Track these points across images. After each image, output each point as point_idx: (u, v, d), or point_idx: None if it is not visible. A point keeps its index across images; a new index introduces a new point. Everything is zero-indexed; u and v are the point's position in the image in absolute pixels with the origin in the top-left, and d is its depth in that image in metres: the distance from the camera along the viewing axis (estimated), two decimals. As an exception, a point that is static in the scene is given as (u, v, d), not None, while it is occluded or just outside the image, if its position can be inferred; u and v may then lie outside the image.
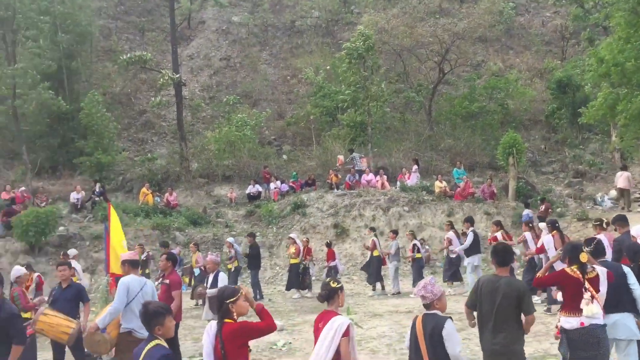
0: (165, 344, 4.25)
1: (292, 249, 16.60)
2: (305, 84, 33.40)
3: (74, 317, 8.15)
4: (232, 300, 4.66)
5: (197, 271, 16.49)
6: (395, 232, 16.54)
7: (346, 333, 4.78)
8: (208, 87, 35.11)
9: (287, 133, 31.55)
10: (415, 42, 28.79)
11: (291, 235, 17.59)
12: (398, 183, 23.45)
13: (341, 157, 24.55)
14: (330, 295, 5.00)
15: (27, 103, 26.23)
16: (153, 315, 4.29)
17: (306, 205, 22.67)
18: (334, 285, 5.02)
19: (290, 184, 25.18)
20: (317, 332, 4.98)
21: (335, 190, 23.34)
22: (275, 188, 24.65)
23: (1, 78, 25.06)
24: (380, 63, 28.58)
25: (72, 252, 14.60)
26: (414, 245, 16.12)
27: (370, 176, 23.64)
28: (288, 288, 16.67)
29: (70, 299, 8.25)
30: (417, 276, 15.54)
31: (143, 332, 6.87)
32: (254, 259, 16.19)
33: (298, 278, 16.41)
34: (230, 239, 16.58)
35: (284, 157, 29.30)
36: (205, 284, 9.65)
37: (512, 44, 36.59)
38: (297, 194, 24.01)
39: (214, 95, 34.40)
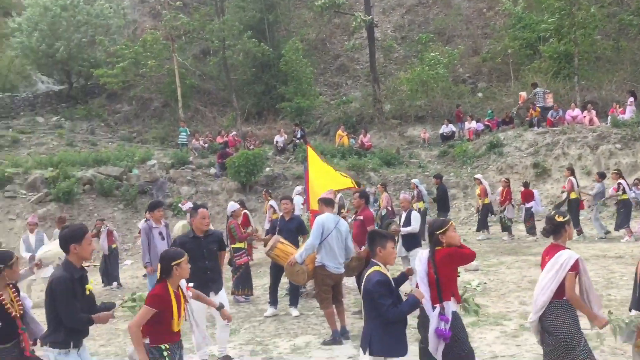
0: (383, 271, 4.57)
1: (478, 190, 16.36)
2: (502, 16, 31.33)
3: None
4: (441, 231, 4.93)
5: (384, 212, 16.81)
6: (602, 175, 14.94)
7: (573, 268, 4.66)
8: (400, 27, 34.74)
9: (482, 69, 30.17)
10: (634, -45, 25.26)
11: (476, 176, 17.28)
12: (609, 118, 21.20)
13: (523, 94, 23.39)
14: (556, 229, 4.87)
15: (235, 54, 28.67)
16: (377, 236, 4.69)
17: (503, 144, 21.74)
18: (559, 219, 4.85)
19: (486, 122, 24.26)
20: (543, 264, 4.94)
21: (536, 127, 21.93)
22: (469, 127, 23.94)
23: (213, 31, 27.60)
24: (590, -16, 25.61)
25: (298, 189, 15.86)
26: (619, 184, 14.45)
27: (577, 112, 21.71)
28: (479, 229, 16.49)
29: (293, 230, 8.97)
30: (623, 219, 14.00)
31: (335, 267, 7.37)
32: (441, 201, 16.15)
33: (486, 219, 16.16)
34: (415, 180, 16.69)
35: (479, 94, 28.16)
36: (398, 222, 9.87)
37: None
38: (493, 133, 23.14)
39: (406, 35, 33.98)
